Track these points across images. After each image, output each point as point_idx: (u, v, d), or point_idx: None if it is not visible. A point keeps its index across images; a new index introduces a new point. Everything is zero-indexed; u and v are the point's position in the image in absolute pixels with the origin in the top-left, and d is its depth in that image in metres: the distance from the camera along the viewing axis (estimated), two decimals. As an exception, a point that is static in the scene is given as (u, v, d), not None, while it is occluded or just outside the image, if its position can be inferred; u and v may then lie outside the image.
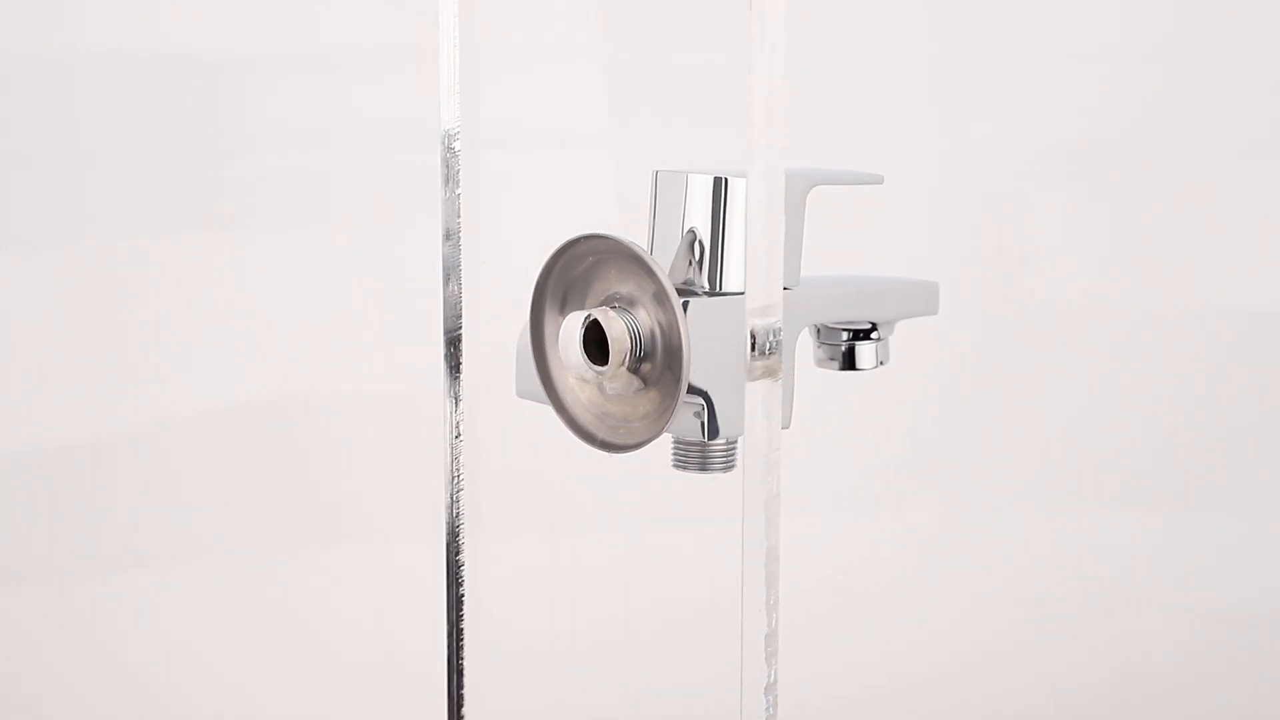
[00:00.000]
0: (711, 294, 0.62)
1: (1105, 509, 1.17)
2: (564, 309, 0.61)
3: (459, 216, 0.64)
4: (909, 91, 1.14)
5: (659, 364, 0.59)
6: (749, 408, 0.55)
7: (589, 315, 0.59)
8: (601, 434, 0.60)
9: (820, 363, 0.67)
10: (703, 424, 0.61)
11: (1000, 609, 1.15)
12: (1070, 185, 1.17)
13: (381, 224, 1.03)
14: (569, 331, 0.60)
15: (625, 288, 0.59)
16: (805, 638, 1.07)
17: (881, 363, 0.67)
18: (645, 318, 0.59)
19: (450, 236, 0.64)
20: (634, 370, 0.59)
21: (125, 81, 0.97)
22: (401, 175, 1.01)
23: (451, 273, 0.64)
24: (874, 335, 0.67)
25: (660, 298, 0.58)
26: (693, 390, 0.61)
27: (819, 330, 0.67)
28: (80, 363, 0.97)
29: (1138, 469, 1.17)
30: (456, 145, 0.64)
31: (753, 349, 0.55)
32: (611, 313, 0.59)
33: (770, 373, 0.55)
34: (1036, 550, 1.16)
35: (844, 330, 0.67)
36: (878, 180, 0.65)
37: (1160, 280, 1.17)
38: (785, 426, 0.64)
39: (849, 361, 0.67)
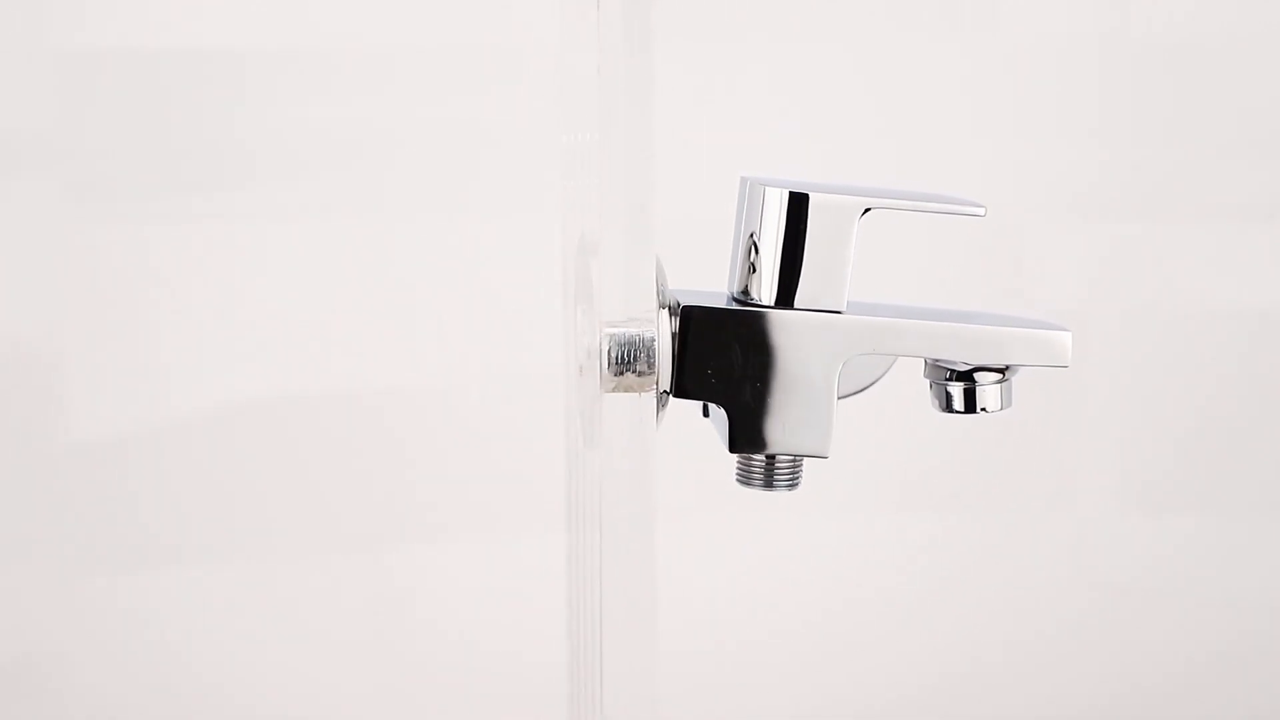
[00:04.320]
0: (769, 307, 0.59)
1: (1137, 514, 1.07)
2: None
3: (571, 207, 0.65)
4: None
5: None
6: (606, 424, 0.53)
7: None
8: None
9: (931, 403, 0.62)
10: (725, 437, 0.60)
11: (1032, 615, 1.07)
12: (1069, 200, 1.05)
13: (490, 219, 1.02)
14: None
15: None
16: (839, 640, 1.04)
17: (984, 409, 0.62)
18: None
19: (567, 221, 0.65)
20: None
21: (187, 76, 1.01)
22: (515, 169, 1.00)
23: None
24: (975, 378, 0.61)
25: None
26: (718, 404, 0.59)
27: (926, 367, 0.62)
28: (181, 347, 1.01)
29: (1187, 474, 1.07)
30: (573, 138, 0.64)
31: (608, 361, 0.53)
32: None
33: (621, 388, 0.53)
34: (1072, 555, 1.07)
35: (946, 369, 0.61)
36: (978, 211, 0.60)
37: (1158, 282, 1.06)
38: (824, 456, 0.60)
39: (952, 403, 0.62)
